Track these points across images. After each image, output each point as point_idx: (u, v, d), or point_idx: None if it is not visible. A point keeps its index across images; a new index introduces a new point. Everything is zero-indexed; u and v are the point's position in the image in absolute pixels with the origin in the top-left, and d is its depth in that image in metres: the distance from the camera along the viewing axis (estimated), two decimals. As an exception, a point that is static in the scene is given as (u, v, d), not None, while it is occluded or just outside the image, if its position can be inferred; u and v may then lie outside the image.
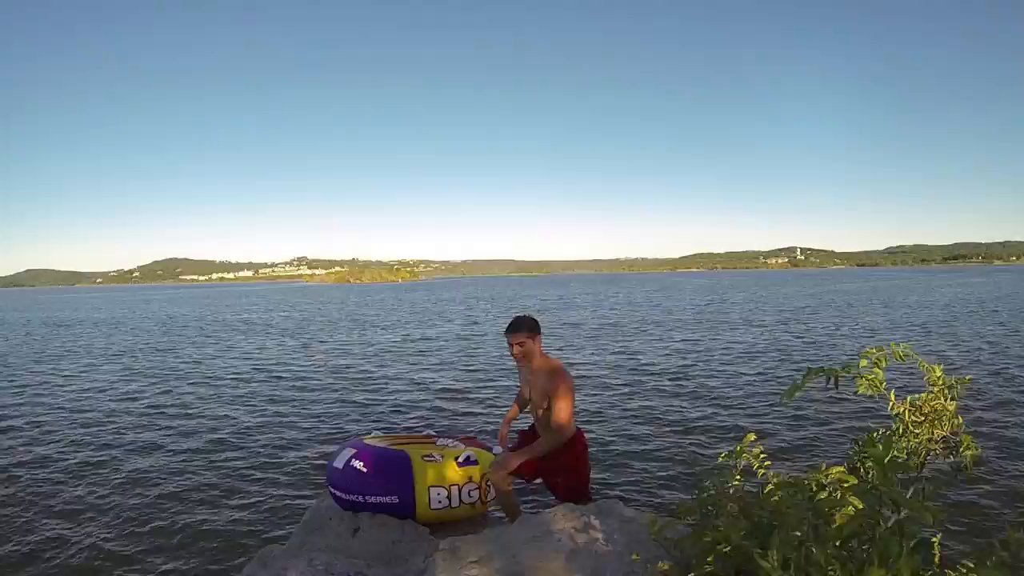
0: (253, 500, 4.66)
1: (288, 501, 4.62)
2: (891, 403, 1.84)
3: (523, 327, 3.30)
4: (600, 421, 6.76)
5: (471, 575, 2.06)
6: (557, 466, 3.33)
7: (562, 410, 3.24)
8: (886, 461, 1.24)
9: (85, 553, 3.89)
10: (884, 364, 1.79)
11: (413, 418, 7.18)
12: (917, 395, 2.02)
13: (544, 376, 3.29)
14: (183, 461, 5.63)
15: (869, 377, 1.74)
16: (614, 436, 6.15)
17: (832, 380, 1.63)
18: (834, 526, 1.33)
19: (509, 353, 3.34)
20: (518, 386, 3.65)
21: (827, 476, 1.73)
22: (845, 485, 1.60)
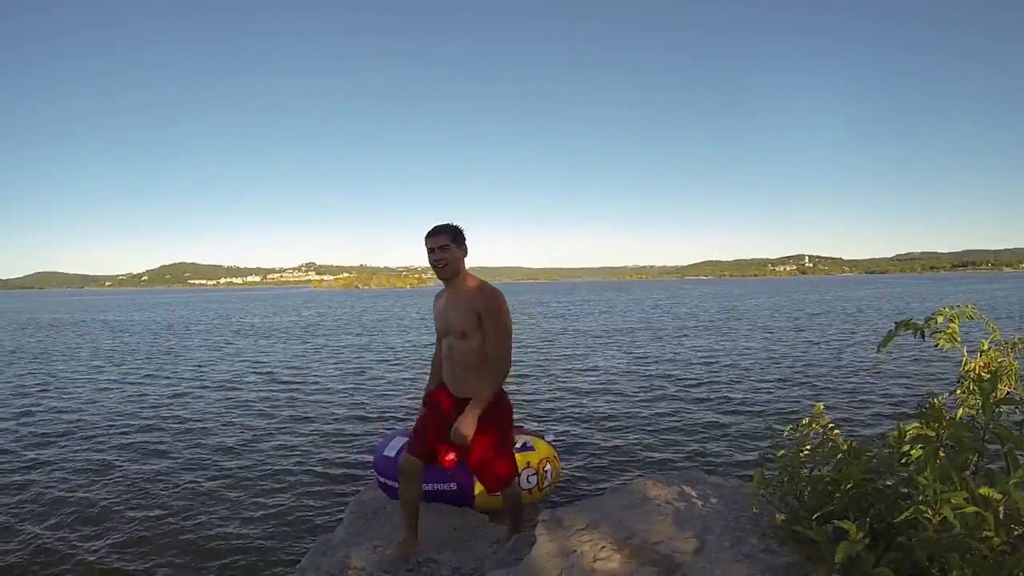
0: (283, 502, 4.31)
1: (314, 501, 4.32)
2: (964, 359, 1.88)
3: (446, 229, 2.58)
4: (647, 409, 6.83)
5: (584, 540, 2.06)
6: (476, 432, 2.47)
7: (501, 331, 2.50)
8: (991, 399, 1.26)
9: (112, 561, 3.52)
10: (958, 321, 1.83)
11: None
12: (976, 353, 2.05)
13: (471, 293, 2.56)
14: (201, 464, 5.28)
15: (948, 331, 1.78)
16: (668, 419, 6.45)
17: (918, 334, 1.67)
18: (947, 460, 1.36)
19: (429, 264, 2.62)
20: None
21: (906, 433, 1.75)
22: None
